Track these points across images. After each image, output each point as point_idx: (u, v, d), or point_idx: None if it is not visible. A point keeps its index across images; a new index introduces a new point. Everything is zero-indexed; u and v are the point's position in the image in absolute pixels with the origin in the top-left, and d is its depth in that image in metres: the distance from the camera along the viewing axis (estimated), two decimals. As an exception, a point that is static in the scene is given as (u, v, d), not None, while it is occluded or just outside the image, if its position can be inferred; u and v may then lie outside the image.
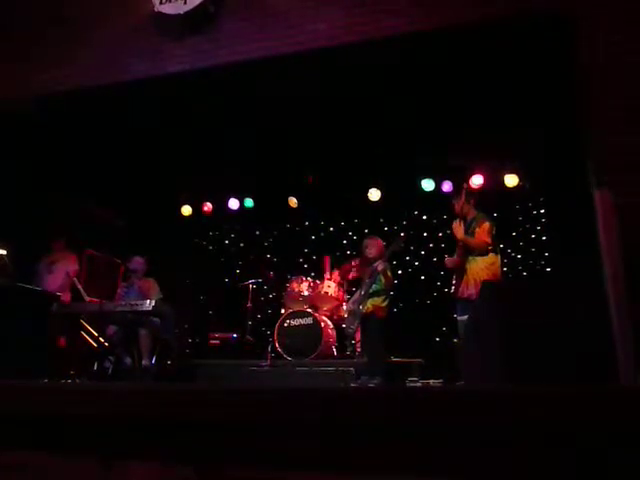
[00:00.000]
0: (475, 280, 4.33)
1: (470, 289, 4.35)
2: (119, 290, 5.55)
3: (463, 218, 4.64)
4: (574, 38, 3.43)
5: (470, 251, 4.48)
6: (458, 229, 4.53)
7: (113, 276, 5.76)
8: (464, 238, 4.48)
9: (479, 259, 4.41)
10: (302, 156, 6.11)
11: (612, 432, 1.26)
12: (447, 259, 4.72)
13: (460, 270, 4.49)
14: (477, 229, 4.48)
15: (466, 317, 4.21)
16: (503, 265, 6.40)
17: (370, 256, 5.14)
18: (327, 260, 6.60)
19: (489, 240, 4.43)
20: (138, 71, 4.30)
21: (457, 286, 4.49)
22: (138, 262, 5.59)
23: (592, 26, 3.36)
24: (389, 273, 5.03)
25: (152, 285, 5.54)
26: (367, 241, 5.27)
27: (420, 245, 6.99)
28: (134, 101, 4.77)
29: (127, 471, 1.89)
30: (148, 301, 4.88)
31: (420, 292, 6.83)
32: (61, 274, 5.54)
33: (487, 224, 4.47)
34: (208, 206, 7.56)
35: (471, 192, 4.90)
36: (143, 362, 5.02)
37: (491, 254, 4.46)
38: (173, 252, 7.26)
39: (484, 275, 4.31)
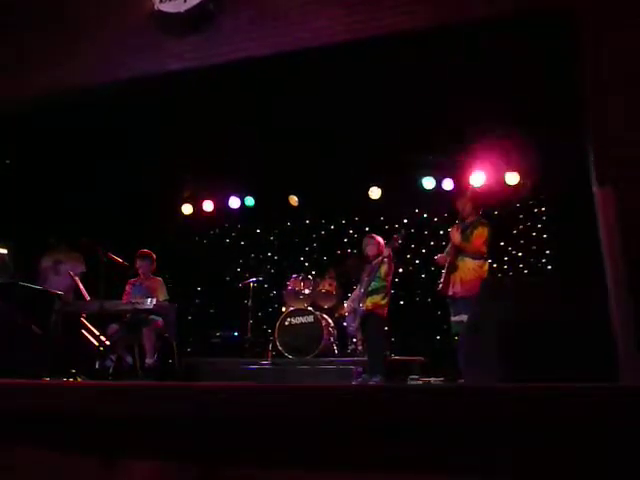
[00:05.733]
0: (462, 279, 4.42)
1: (456, 287, 4.44)
2: (127, 287, 5.56)
3: (462, 220, 4.67)
4: (577, 36, 3.42)
5: (463, 253, 4.52)
6: (455, 234, 4.57)
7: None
8: (460, 244, 4.53)
9: (469, 260, 4.49)
10: (303, 154, 6.10)
11: (612, 431, 1.26)
12: (438, 256, 4.81)
13: (449, 268, 4.53)
14: (475, 233, 4.54)
15: (457, 317, 4.30)
16: (504, 263, 6.51)
17: (370, 254, 5.15)
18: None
19: (484, 249, 4.52)
20: (138, 69, 4.30)
21: (444, 283, 4.53)
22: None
23: (596, 24, 3.35)
24: (392, 262, 5.04)
25: (160, 285, 5.55)
26: (367, 239, 5.29)
27: (421, 243, 6.99)
28: (134, 99, 4.77)
29: (129, 470, 1.89)
30: (149, 299, 4.88)
31: (421, 290, 6.83)
32: (67, 275, 5.51)
33: (485, 231, 4.54)
34: (209, 205, 7.56)
35: (477, 196, 4.91)
36: (146, 360, 5.03)
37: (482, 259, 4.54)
38: (174, 251, 7.26)
39: (471, 276, 4.39)
